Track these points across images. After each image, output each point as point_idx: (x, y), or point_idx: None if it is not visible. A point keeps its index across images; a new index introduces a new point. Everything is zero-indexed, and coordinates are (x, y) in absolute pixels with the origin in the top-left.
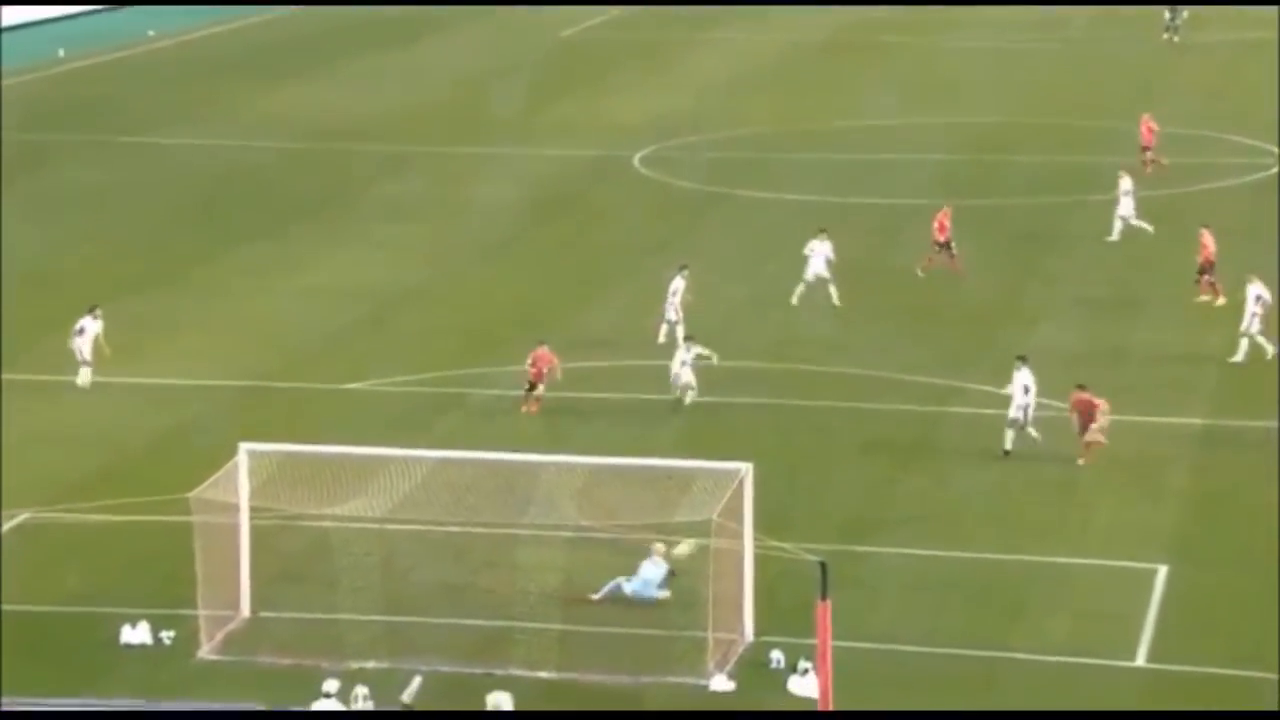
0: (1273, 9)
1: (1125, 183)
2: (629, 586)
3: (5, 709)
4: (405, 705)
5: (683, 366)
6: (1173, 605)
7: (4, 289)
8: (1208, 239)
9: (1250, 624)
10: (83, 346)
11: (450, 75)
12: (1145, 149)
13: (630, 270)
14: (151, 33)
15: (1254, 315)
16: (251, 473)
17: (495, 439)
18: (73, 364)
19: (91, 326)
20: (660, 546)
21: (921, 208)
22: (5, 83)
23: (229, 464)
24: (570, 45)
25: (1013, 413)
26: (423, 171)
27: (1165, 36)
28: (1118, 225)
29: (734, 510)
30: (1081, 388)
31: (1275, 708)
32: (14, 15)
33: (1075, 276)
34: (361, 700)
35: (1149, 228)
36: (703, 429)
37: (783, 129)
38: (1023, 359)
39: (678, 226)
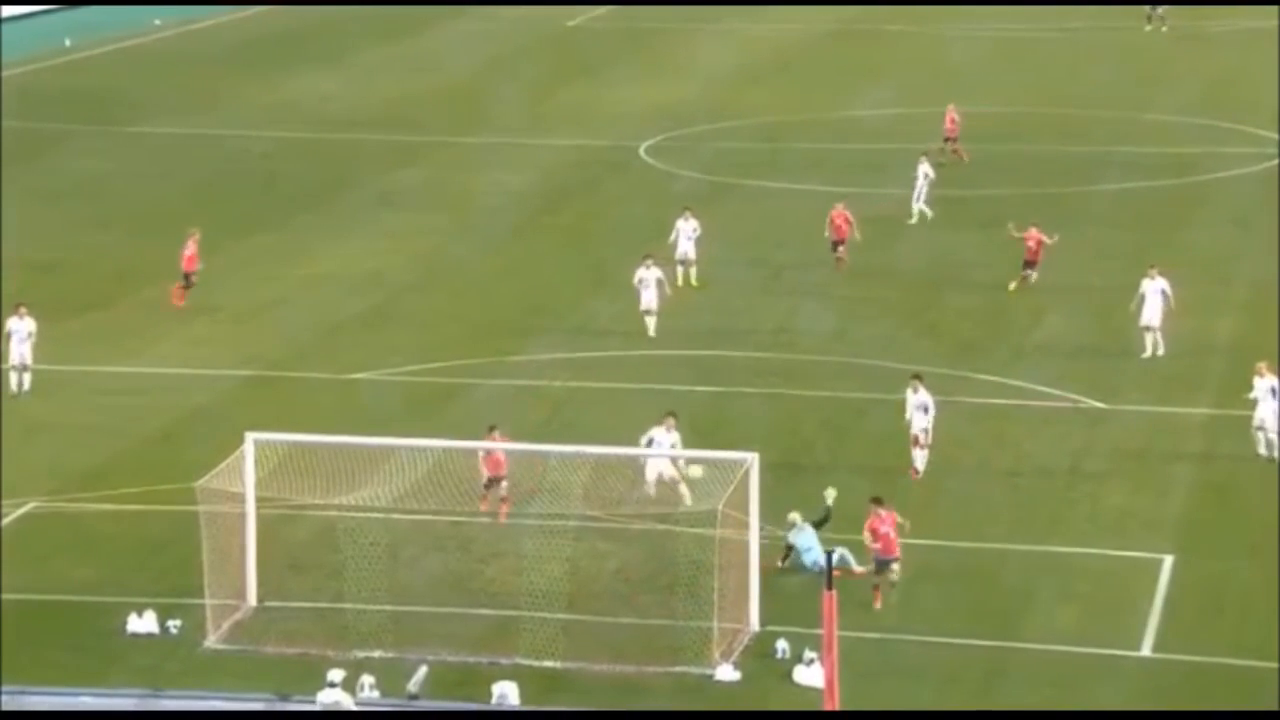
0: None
1: (924, 167)
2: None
3: (15, 701)
4: (411, 694)
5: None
6: (1178, 595)
7: (8, 277)
8: (1033, 238)
9: (1256, 614)
10: (23, 351)
11: (455, 65)
12: (948, 139)
13: (636, 260)
14: (158, 21)
15: (1156, 310)
16: (258, 462)
17: (501, 428)
18: (79, 355)
19: (20, 327)
20: (795, 516)
21: (935, 197)
22: (11, 72)
23: (235, 453)
24: (576, 34)
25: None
26: (427, 161)
27: (1149, 28)
28: (916, 208)
29: (740, 500)
30: (878, 502)
31: (1277, 697)
32: (13, 6)
33: (1081, 267)
34: (368, 689)
35: (929, 213)
36: (709, 419)
37: (789, 119)
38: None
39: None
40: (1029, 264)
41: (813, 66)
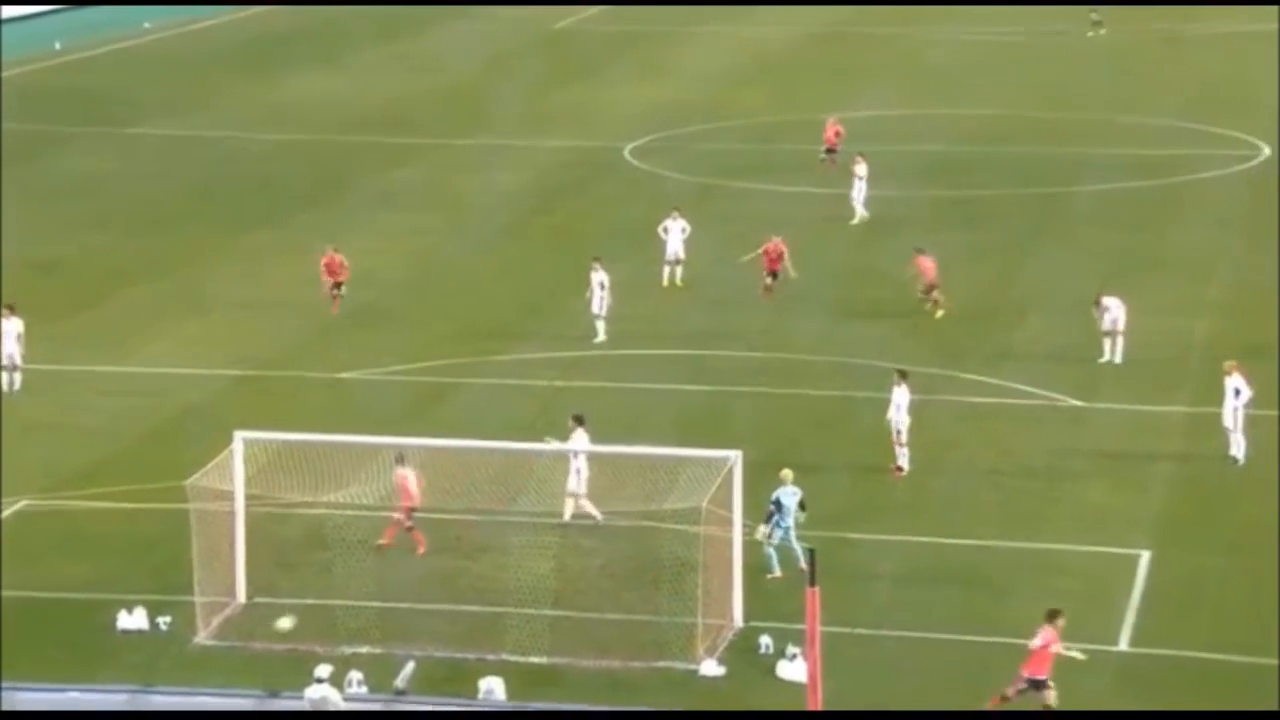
0: (1263, 7)
1: (860, 168)
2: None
3: (7, 698)
4: (398, 690)
5: (579, 475)
6: (1156, 590)
7: (2, 278)
8: (926, 264)
9: (1231, 608)
10: (12, 351)
11: (449, 66)
12: (830, 150)
13: (621, 262)
14: (147, 25)
15: (1113, 327)
16: (247, 460)
17: (489, 427)
18: (73, 355)
19: (9, 327)
20: (788, 473)
21: (914, 198)
22: (8, 73)
23: (224, 452)
24: (563, 37)
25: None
26: (420, 162)
27: (1104, 33)
28: (856, 208)
29: (724, 498)
30: (1054, 616)
31: (1247, 690)
32: (12, 7)
33: (1064, 267)
34: (355, 685)
35: (865, 216)
36: (696, 417)
37: (777, 120)
38: None
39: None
40: (931, 287)
41: (800, 69)
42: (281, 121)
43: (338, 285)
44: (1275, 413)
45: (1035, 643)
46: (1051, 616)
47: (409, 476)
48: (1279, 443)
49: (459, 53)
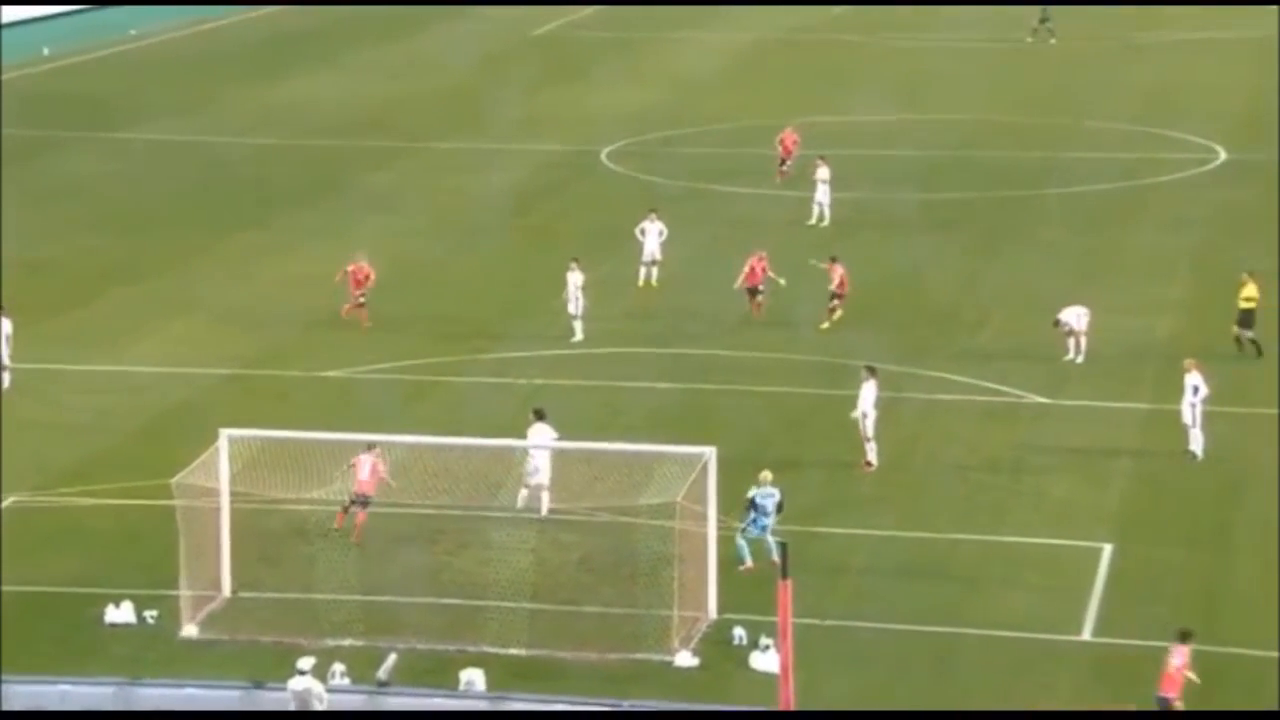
0: (1220, 8)
1: (823, 172)
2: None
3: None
4: (380, 681)
5: (536, 472)
6: (1117, 582)
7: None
8: (837, 271)
9: (1188, 599)
10: (1, 352)
11: (423, 73)
12: (784, 159)
13: (599, 263)
14: (133, 31)
15: (1080, 319)
16: (232, 458)
17: (470, 425)
18: (63, 354)
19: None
20: (767, 474)
21: (885, 201)
22: (2, 77)
23: (210, 449)
24: (540, 43)
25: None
26: (400, 165)
27: (1030, 40)
28: (815, 210)
29: (698, 493)
30: (1187, 636)
31: (1205, 677)
32: (10, 8)
33: (1029, 267)
34: (339, 677)
35: (822, 219)
36: (669, 415)
37: (749, 125)
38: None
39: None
40: (836, 296)
41: (775, 74)
42: (273, 124)
43: (361, 295)
44: (1275, 411)
45: (1175, 662)
46: (1184, 637)
47: (365, 462)
48: (1279, 441)
49: (445, 56)
